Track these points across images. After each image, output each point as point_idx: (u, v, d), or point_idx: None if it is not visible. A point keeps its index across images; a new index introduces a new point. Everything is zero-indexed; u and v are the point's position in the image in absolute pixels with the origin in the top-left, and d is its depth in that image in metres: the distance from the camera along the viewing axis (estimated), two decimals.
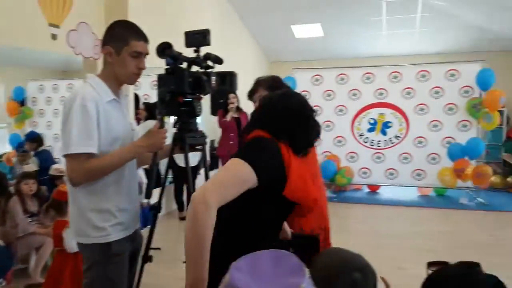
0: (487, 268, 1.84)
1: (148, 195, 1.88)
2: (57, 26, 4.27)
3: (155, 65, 4.88)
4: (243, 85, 7.01)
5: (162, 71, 5.41)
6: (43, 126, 7.02)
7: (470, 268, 1.20)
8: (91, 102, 1.68)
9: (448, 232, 5.14)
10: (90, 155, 1.66)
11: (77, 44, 4.51)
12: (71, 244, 2.77)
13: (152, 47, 1.88)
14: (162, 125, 1.90)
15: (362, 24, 8.01)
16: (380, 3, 7.22)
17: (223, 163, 5.90)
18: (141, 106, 5.69)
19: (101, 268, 1.76)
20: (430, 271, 1.25)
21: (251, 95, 2.50)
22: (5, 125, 7.39)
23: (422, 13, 7.41)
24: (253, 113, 1.70)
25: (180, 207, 5.65)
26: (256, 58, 9.30)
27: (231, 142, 5.83)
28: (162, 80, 5.58)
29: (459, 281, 1.13)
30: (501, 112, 6.64)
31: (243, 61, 8.26)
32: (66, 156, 1.66)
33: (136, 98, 5.77)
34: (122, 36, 1.80)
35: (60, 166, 4.36)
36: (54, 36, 4.24)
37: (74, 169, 1.67)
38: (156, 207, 2.17)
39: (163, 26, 5.38)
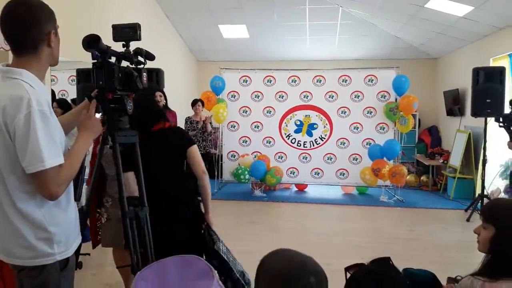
0: (409, 261, 1.95)
1: (76, 197, 1.71)
2: None
3: (74, 58, 4.58)
4: (171, 83, 6.86)
5: (81, 66, 5.05)
6: None
7: (382, 265, 1.30)
8: (46, 105, 1.46)
9: (370, 228, 5.42)
10: (61, 164, 1.48)
11: None
12: None
13: (71, 39, 1.67)
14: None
15: (286, 28, 8.21)
16: (304, 9, 7.45)
17: None
18: (54, 104, 5.27)
19: (55, 287, 1.57)
20: (349, 275, 1.32)
21: None
22: None
23: (342, 21, 7.78)
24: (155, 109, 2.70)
25: None
26: (183, 57, 9.12)
27: None
28: (81, 75, 5.22)
29: (375, 280, 1.22)
30: (413, 116, 7.18)
31: (170, 59, 8.05)
32: (40, 171, 1.42)
33: (53, 94, 5.34)
34: (52, 14, 1.57)
35: None
36: None
37: (54, 182, 1.45)
38: (85, 212, 2.00)
39: (80, 17, 5.05)
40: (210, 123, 6.72)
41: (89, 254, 3.76)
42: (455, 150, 7.33)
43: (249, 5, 7.43)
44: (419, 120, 8.84)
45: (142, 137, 2.17)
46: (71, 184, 1.64)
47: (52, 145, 1.46)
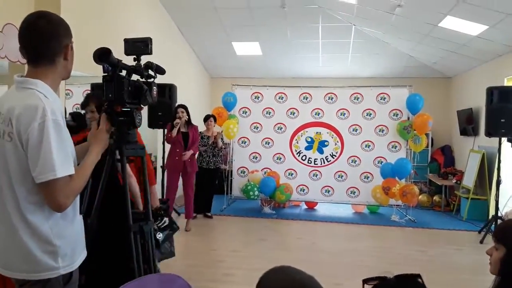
0: None
1: (82, 210, 1.71)
2: None
3: (89, 73, 4.65)
4: (184, 98, 6.94)
5: (95, 80, 5.13)
6: None
7: (409, 281, 1.18)
8: (59, 115, 1.48)
9: (381, 248, 5.32)
10: (72, 174, 1.49)
11: (3, 47, 4.15)
12: None
13: (86, 53, 1.70)
14: (99, 125, 1.79)
15: (299, 46, 8.26)
16: (317, 27, 7.49)
17: (169, 178, 5.78)
18: (68, 116, 5.34)
19: None
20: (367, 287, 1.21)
21: (83, 107, 3.02)
22: None
23: (355, 39, 7.80)
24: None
25: None
26: (197, 73, 9.21)
27: (177, 158, 5.63)
28: (96, 89, 5.30)
29: None
30: (426, 135, 7.11)
31: (183, 75, 8.13)
32: (51, 181, 1.43)
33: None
34: (69, 29, 1.61)
35: None
36: None
37: (63, 193, 1.45)
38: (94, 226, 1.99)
39: (97, 31, 5.15)
40: (222, 138, 6.73)
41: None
42: (469, 170, 7.20)
43: (263, 23, 7.51)
44: (432, 139, 8.73)
45: None
46: (78, 196, 1.64)
47: (64, 155, 1.46)
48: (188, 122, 5.78)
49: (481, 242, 5.46)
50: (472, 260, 4.86)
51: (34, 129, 1.41)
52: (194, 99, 8.75)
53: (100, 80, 4.83)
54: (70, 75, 1.68)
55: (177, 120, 5.58)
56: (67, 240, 1.56)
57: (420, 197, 7.87)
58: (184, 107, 5.73)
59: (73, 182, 1.49)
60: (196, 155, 6.04)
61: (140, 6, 6.48)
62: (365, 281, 1.21)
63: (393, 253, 5.07)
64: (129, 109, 1.95)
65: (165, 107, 5.87)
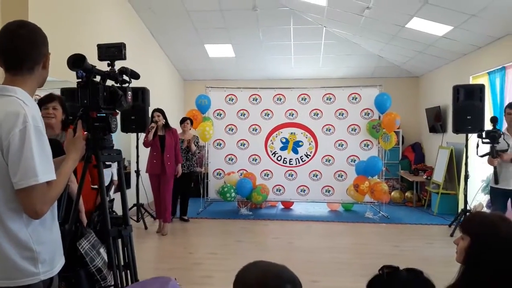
0: None
1: (60, 217, 1.69)
2: None
3: (59, 78, 4.56)
4: (157, 102, 6.90)
5: (65, 85, 5.04)
6: None
7: (418, 277, 1.29)
8: (40, 121, 1.48)
9: (356, 244, 5.44)
10: (50, 181, 1.48)
11: None
12: None
13: (57, 58, 1.69)
14: (75, 132, 1.78)
15: (271, 48, 8.34)
16: (288, 29, 7.59)
17: (150, 181, 5.86)
18: None
19: None
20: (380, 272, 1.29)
21: (43, 103, 2.91)
22: None
23: (326, 40, 7.94)
24: None
25: None
26: (170, 76, 9.15)
27: (155, 161, 5.64)
28: (66, 94, 5.20)
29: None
30: (397, 133, 7.30)
31: (156, 78, 8.07)
32: (31, 187, 1.41)
33: None
34: (47, 39, 1.61)
35: None
36: None
37: (41, 200, 1.44)
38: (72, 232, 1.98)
39: (67, 36, 5.05)
40: (196, 142, 6.72)
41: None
42: (438, 166, 7.45)
43: (235, 25, 7.55)
44: (402, 137, 8.98)
45: None
46: (55, 203, 1.64)
47: (45, 161, 1.47)
48: (166, 125, 5.77)
49: (451, 235, 5.65)
50: (444, 252, 5.02)
51: (16, 135, 1.41)
52: (168, 102, 8.69)
53: (69, 85, 4.76)
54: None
55: (153, 124, 5.60)
56: (46, 246, 1.55)
57: (392, 193, 8.09)
58: (160, 110, 5.74)
59: (51, 189, 1.49)
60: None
61: (110, 10, 6.39)
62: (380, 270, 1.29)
63: (368, 249, 5.20)
64: (104, 115, 1.95)
65: (139, 111, 5.82)
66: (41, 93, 5.82)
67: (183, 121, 6.62)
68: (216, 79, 9.49)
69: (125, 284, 1.96)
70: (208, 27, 7.65)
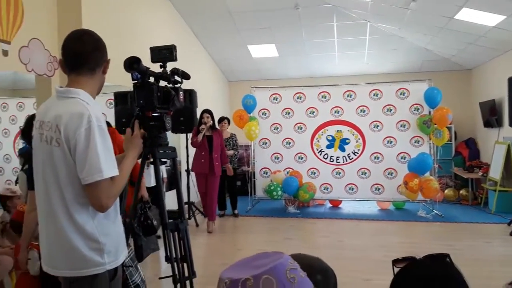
0: None
1: (121, 210, 1.80)
2: (7, 42, 4.08)
3: (112, 83, 4.79)
4: (204, 103, 7.05)
5: (117, 89, 5.28)
6: None
7: (438, 261, 1.15)
8: (103, 121, 1.60)
9: (408, 243, 5.30)
10: (113, 177, 1.60)
11: (30, 61, 4.33)
12: (36, 266, 2.60)
13: (110, 64, 1.80)
14: (133, 130, 1.88)
15: (315, 45, 8.28)
16: (332, 26, 7.51)
17: (197, 180, 6.00)
18: None
19: None
20: (396, 269, 1.16)
21: None
22: None
23: (370, 36, 7.78)
24: None
25: None
26: (215, 77, 9.32)
27: (203, 161, 5.78)
28: (119, 98, 5.45)
29: (427, 276, 1.06)
30: (449, 129, 7.02)
31: (202, 80, 8.25)
32: (97, 182, 1.53)
33: None
34: (106, 48, 1.75)
35: (11, 186, 4.12)
36: (5, 53, 4.04)
37: (106, 194, 1.56)
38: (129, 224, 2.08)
39: (118, 43, 5.29)
40: (235, 140, 6.83)
41: (131, 266, 3.79)
42: (495, 162, 7.08)
43: (277, 25, 7.57)
44: (455, 132, 8.62)
45: None
46: (118, 198, 1.74)
47: (109, 157, 1.57)
48: (212, 126, 5.93)
49: (511, 234, 5.38)
50: (502, 252, 4.80)
51: (81, 134, 1.52)
52: (213, 103, 8.86)
53: (122, 89, 4.97)
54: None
55: (203, 126, 5.75)
56: (111, 237, 1.65)
57: (446, 191, 7.79)
58: (209, 112, 5.91)
59: (114, 184, 1.60)
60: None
61: (157, 15, 6.62)
62: (394, 262, 1.19)
63: (421, 248, 5.04)
64: (159, 114, 2.04)
65: (187, 112, 5.97)
66: (97, 97, 6.18)
67: (220, 120, 6.80)
68: (260, 79, 9.56)
69: (182, 276, 2.03)
70: (251, 28, 7.73)
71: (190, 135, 6.12)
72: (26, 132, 2.47)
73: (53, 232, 1.62)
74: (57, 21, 4.77)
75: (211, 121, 5.91)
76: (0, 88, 7.64)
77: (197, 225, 6.11)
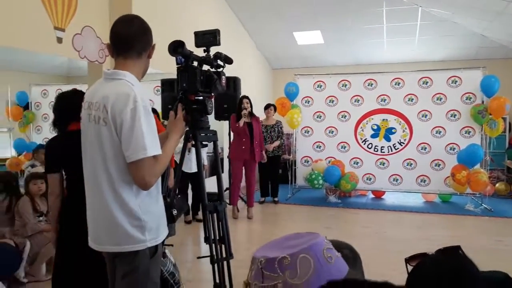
0: None
1: (163, 190, 1.86)
2: (62, 30, 4.27)
3: (158, 70, 4.91)
4: (247, 90, 7.07)
5: (164, 77, 5.40)
6: (46, 130, 7.03)
7: (453, 256, 1.10)
8: (147, 102, 1.66)
9: (454, 237, 5.11)
10: (156, 156, 1.65)
11: (82, 48, 4.52)
12: None
13: (158, 49, 1.84)
14: (176, 114, 1.92)
15: (362, 31, 8.06)
16: (381, 11, 7.26)
17: (233, 167, 5.93)
18: None
19: (145, 273, 1.69)
20: (410, 267, 1.13)
21: None
22: (6, 130, 7.39)
23: (422, 21, 7.46)
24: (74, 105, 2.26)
25: (186, 212, 5.61)
26: (259, 64, 9.32)
27: (243, 147, 5.81)
28: (166, 85, 5.59)
29: (445, 272, 1.00)
30: (504, 119, 6.64)
31: (246, 67, 8.28)
32: (141, 160, 1.58)
33: None
34: (151, 32, 1.80)
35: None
36: (59, 40, 4.24)
37: (149, 172, 1.61)
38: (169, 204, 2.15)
39: (164, 30, 5.40)
40: (280, 127, 6.84)
41: (172, 245, 3.90)
42: None
43: (324, 11, 7.43)
44: (510, 124, 8.14)
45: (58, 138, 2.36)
46: (160, 178, 1.79)
47: (153, 137, 1.62)
48: (251, 113, 5.92)
49: None
50: None
51: (127, 114, 1.58)
52: (257, 91, 8.89)
53: (169, 77, 5.09)
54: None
55: (244, 111, 5.74)
56: (153, 216, 1.71)
57: (497, 185, 7.42)
58: (248, 97, 5.89)
59: (157, 163, 1.64)
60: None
61: (203, 1, 6.69)
62: (407, 260, 1.17)
63: (468, 242, 4.83)
64: (201, 98, 2.07)
65: (231, 99, 6.03)
66: (144, 84, 6.38)
67: (267, 107, 6.80)
68: (305, 67, 9.46)
69: (220, 257, 2.08)
70: (297, 14, 7.64)
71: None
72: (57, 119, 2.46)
73: (98, 208, 1.69)
74: (109, 9, 4.94)
75: (250, 108, 5.89)
76: (56, 75, 8.07)
77: (237, 210, 6.20)
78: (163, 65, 4.42)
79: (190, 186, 5.61)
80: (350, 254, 1.08)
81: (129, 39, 1.70)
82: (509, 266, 4.00)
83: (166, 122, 4.24)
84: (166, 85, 5.43)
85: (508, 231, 5.30)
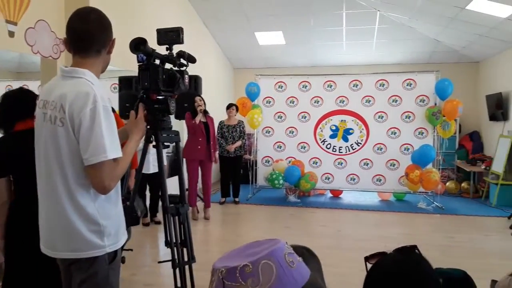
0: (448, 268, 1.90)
1: (123, 193, 1.80)
2: (14, 23, 4.05)
3: (117, 67, 4.76)
4: (208, 89, 6.98)
5: (122, 74, 5.24)
6: None
7: (410, 254, 1.14)
8: (107, 102, 1.57)
9: (409, 235, 5.31)
10: (116, 159, 1.57)
11: (36, 43, 4.31)
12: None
13: (115, 46, 1.76)
14: (137, 113, 1.86)
15: (323, 33, 8.20)
16: (341, 14, 7.42)
17: (189, 167, 5.78)
18: None
19: (104, 279, 1.63)
20: (370, 265, 1.16)
21: None
22: None
23: (380, 25, 7.70)
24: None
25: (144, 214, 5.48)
26: (220, 64, 9.27)
27: (199, 147, 5.72)
28: (123, 83, 5.43)
29: (402, 271, 1.06)
30: (455, 121, 6.98)
31: (207, 66, 8.21)
32: (101, 163, 1.50)
33: None
34: (111, 26, 1.70)
35: None
36: (11, 34, 4.02)
37: (109, 176, 1.54)
38: (130, 208, 2.09)
39: (124, 25, 5.25)
40: (242, 127, 6.79)
41: (131, 250, 3.81)
42: (498, 156, 7.05)
43: (286, 12, 7.49)
44: (459, 125, 8.57)
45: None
46: (119, 181, 1.73)
47: (113, 139, 1.55)
48: (205, 112, 5.84)
49: (511, 227, 5.38)
50: (502, 245, 4.80)
51: (86, 114, 1.50)
52: (218, 90, 8.84)
53: (127, 74, 4.94)
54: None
55: (200, 107, 5.64)
56: (112, 220, 1.64)
57: (447, 184, 7.78)
58: (200, 95, 5.75)
59: (117, 166, 1.58)
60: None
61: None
62: (366, 259, 1.19)
63: (421, 239, 5.05)
64: (163, 97, 2.03)
65: (191, 98, 5.94)
66: (101, 81, 6.19)
67: (229, 107, 6.75)
68: (266, 67, 9.51)
69: (181, 261, 2.04)
70: (259, 15, 7.65)
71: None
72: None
73: (53, 213, 1.61)
74: (64, 3, 4.73)
75: (203, 106, 5.80)
76: (5, 70, 7.64)
77: (197, 211, 6.13)
78: (121, 62, 4.30)
79: (148, 187, 5.48)
80: (309, 257, 1.08)
81: (86, 36, 1.61)
82: (460, 261, 4.24)
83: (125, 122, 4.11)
84: (124, 82, 5.27)
85: (458, 228, 5.57)
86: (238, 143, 6.65)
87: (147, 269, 4.01)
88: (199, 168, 5.85)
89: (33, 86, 6.48)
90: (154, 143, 2.06)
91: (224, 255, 0.95)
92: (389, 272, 1.07)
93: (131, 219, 1.85)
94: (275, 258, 0.84)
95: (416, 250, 1.16)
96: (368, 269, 1.14)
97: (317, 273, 1.06)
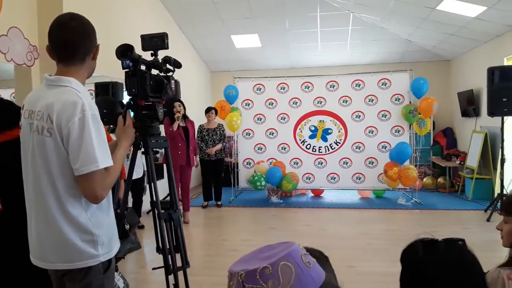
0: None
1: (115, 201, 1.77)
2: None
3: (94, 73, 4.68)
4: (186, 94, 6.97)
5: (99, 80, 5.17)
6: None
7: (456, 248, 1.12)
8: (96, 110, 1.54)
9: (390, 231, 5.42)
10: (107, 167, 1.55)
11: (9, 50, 4.20)
12: None
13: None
14: (125, 120, 1.84)
15: (298, 35, 8.29)
16: (315, 16, 7.52)
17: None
18: None
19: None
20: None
21: None
22: None
23: (353, 26, 7.84)
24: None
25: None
26: (197, 67, 9.23)
27: (179, 152, 5.67)
28: (99, 89, 5.36)
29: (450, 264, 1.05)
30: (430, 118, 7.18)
31: (184, 70, 8.13)
32: (92, 173, 1.48)
33: None
34: (95, 31, 1.67)
35: None
36: None
37: (100, 185, 1.51)
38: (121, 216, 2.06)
39: (99, 31, 5.18)
40: (222, 130, 6.77)
41: (123, 258, 3.73)
42: (472, 151, 7.29)
43: (261, 14, 7.54)
44: (433, 122, 8.80)
45: None
46: (110, 190, 1.71)
47: (104, 147, 1.53)
48: (185, 116, 5.81)
49: (488, 220, 5.56)
50: (480, 237, 4.96)
51: (75, 124, 1.47)
52: (195, 94, 8.80)
53: (103, 80, 4.88)
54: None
55: (178, 114, 5.62)
56: (104, 229, 1.63)
57: (424, 180, 7.98)
58: (180, 101, 5.74)
59: (109, 175, 1.56)
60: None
61: (139, 3, 6.50)
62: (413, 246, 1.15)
63: (403, 235, 5.16)
64: (151, 103, 2.02)
65: (171, 103, 5.88)
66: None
67: (208, 110, 6.73)
68: (243, 70, 9.54)
69: (175, 267, 2.03)
70: (234, 18, 7.67)
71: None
72: None
73: (44, 224, 1.57)
74: (37, 9, 4.63)
75: (183, 110, 5.78)
76: None
77: (181, 215, 6.08)
78: (97, 68, 4.23)
79: (130, 193, 5.40)
80: (322, 258, 1.11)
81: (69, 45, 1.57)
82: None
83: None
84: (100, 88, 5.19)
85: (438, 222, 5.72)
86: (219, 146, 6.63)
87: (136, 276, 3.96)
88: (179, 172, 5.82)
89: (6, 94, 6.32)
90: (143, 149, 2.04)
91: (238, 260, 0.96)
92: (440, 261, 1.06)
93: (121, 232, 1.82)
94: (293, 259, 0.86)
95: (460, 242, 1.14)
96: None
97: (331, 274, 1.08)
